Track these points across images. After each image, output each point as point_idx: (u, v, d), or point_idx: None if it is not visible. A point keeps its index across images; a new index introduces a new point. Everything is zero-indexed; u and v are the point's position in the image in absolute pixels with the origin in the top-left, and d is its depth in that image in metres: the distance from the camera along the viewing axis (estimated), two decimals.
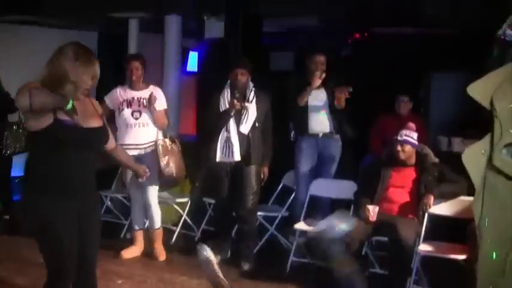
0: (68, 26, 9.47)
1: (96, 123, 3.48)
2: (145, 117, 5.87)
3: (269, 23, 8.30)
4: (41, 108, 3.16)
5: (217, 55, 8.25)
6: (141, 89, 5.94)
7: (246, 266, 5.87)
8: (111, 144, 3.75)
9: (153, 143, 5.88)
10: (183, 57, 8.94)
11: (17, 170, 7.85)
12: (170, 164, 5.80)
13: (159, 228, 6.07)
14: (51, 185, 3.31)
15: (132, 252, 6.14)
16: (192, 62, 9.57)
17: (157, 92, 5.97)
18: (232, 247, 6.19)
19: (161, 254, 6.06)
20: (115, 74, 9.45)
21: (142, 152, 5.88)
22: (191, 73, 9.75)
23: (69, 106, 3.19)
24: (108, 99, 6.04)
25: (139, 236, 6.18)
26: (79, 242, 3.39)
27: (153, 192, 5.98)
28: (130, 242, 6.31)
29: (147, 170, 4.05)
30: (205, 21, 8.45)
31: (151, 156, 5.83)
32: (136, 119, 5.85)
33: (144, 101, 5.86)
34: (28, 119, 3.29)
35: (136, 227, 6.19)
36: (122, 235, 7.02)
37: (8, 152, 7.21)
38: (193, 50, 9.53)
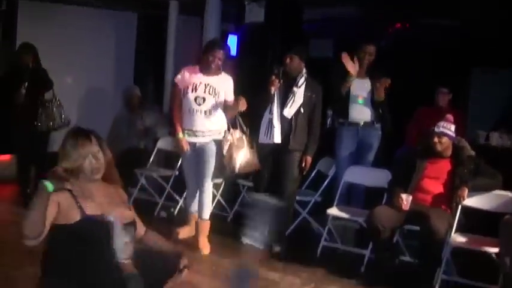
0: (106, 5, 9.51)
1: (126, 217, 3.26)
2: (208, 104, 5.65)
3: (309, 9, 8.29)
4: None
5: (257, 40, 8.25)
6: (213, 75, 5.73)
7: (277, 248, 5.91)
8: (140, 232, 3.49)
9: (215, 133, 5.73)
10: (222, 40, 8.98)
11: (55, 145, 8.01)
12: (233, 158, 5.59)
13: (207, 220, 5.90)
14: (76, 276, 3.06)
15: (187, 232, 6.06)
16: (231, 46, 9.60)
17: (229, 82, 5.80)
18: None
19: (205, 247, 5.82)
20: (151, 57, 9.59)
21: (202, 140, 5.73)
22: (230, 57, 9.79)
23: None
24: (179, 81, 5.83)
25: (194, 219, 6.06)
26: None
27: (209, 182, 5.83)
28: (164, 220, 6.33)
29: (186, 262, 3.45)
30: (245, 5, 8.46)
31: (211, 147, 5.73)
32: (199, 105, 5.64)
33: (211, 89, 5.67)
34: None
35: (192, 210, 6.11)
36: (156, 213, 7.13)
37: (43, 129, 7.37)
38: (232, 34, 9.56)
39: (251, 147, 5.66)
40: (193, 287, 4.91)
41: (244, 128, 5.69)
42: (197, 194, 5.99)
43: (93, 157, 3.17)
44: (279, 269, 5.43)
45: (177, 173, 7.26)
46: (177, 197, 7.26)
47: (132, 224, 3.29)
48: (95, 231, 3.07)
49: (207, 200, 5.88)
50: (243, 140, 5.62)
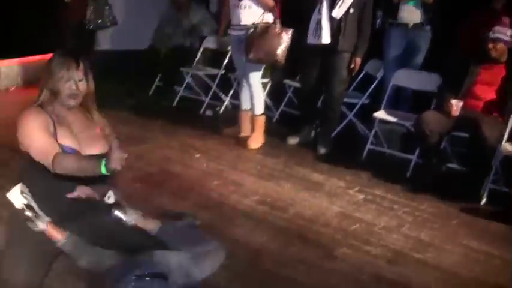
0: None
1: (100, 147, 2.98)
2: None
3: None
4: None
5: None
6: None
7: (322, 150, 5.90)
8: None
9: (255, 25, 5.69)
10: None
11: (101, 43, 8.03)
12: (253, 43, 5.63)
13: (260, 115, 5.95)
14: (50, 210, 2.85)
15: (233, 131, 6.15)
16: None
17: None
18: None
19: (253, 142, 5.91)
20: None
21: (244, 32, 5.73)
22: None
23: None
24: None
25: (245, 116, 6.10)
26: None
27: (255, 74, 5.85)
28: (209, 119, 6.34)
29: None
30: None
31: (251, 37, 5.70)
32: (240, 0, 5.68)
33: None
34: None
35: (243, 107, 6.13)
36: (202, 112, 7.14)
37: (92, 26, 7.38)
38: None
39: (275, 38, 5.62)
40: (237, 186, 4.97)
41: (277, 21, 5.66)
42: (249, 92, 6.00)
43: (75, 83, 2.94)
44: (323, 171, 5.42)
45: (223, 71, 7.22)
46: (223, 96, 7.25)
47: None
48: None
49: (255, 94, 5.89)
50: (267, 30, 5.61)
